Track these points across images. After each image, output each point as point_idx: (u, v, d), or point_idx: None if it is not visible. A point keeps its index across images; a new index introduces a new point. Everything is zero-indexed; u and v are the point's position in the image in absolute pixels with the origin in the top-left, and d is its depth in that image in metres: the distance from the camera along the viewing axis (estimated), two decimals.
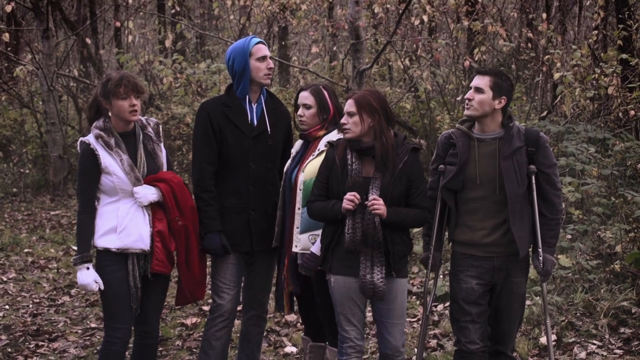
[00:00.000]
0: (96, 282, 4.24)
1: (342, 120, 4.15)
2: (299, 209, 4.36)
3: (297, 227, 4.37)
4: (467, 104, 4.19)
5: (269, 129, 4.61)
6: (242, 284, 4.76)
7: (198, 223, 4.44)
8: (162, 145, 4.47)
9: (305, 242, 4.34)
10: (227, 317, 4.61)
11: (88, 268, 4.25)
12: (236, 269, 4.61)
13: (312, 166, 4.35)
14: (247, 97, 4.60)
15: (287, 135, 4.76)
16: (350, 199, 4.01)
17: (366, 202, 4.00)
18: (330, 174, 4.18)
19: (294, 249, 4.39)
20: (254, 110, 4.62)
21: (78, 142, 4.33)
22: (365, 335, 4.45)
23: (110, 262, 4.27)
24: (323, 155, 4.32)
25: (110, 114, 4.30)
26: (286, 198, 4.48)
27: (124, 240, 4.23)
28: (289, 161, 4.53)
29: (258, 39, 4.63)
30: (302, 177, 4.36)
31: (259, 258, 4.65)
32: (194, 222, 4.39)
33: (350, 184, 4.10)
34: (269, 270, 4.77)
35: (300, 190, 4.35)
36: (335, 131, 4.44)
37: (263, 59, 4.54)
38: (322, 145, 4.40)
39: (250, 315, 4.81)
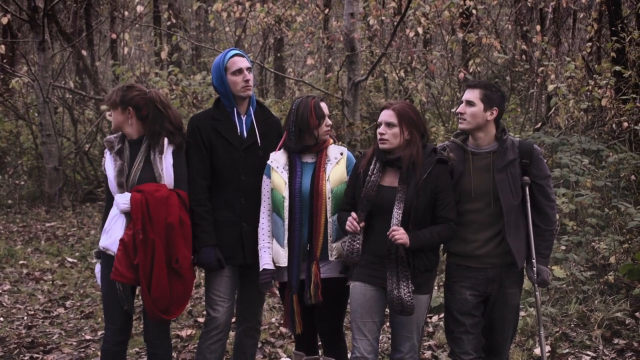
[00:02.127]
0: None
1: (380, 130, 4.13)
2: (330, 217, 4.34)
3: (331, 237, 4.35)
4: (460, 118, 4.23)
5: (259, 141, 4.58)
6: (236, 297, 4.76)
7: (173, 241, 4.29)
8: (164, 156, 4.40)
9: (340, 249, 4.35)
10: (221, 329, 4.59)
11: (97, 263, 4.57)
12: (230, 281, 4.58)
13: (335, 174, 4.36)
14: (235, 109, 4.58)
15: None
16: (351, 220, 4.05)
17: (388, 233, 3.98)
18: (356, 183, 4.22)
19: (331, 258, 4.34)
20: (243, 122, 4.60)
21: None
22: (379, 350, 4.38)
23: (105, 261, 4.44)
24: (342, 162, 4.39)
25: None
26: (296, 210, 4.35)
27: (107, 241, 4.36)
28: (285, 172, 4.39)
29: (235, 52, 4.60)
30: (329, 186, 4.33)
31: (253, 270, 4.59)
32: (167, 239, 4.27)
33: (362, 195, 4.12)
34: None
35: (329, 199, 4.33)
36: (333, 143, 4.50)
37: (239, 72, 4.51)
38: (337, 154, 4.41)
39: (244, 328, 4.81)
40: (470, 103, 4.18)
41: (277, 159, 4.44)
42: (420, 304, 4.17)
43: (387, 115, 4.15)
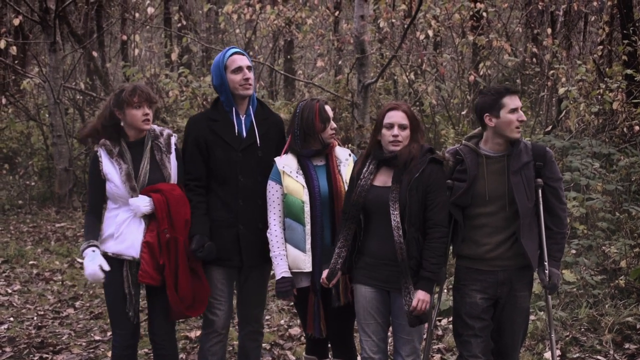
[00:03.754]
0: (101, 268, 4.25)
1: (395, 132, 4.07)
2: None
3: None
4: (518, 127, 4.12)
5: (258, 141, 4.51)
6: (235, 299, 4.73)
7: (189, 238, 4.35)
8: (172, 156, 4.44)
9: None
10: (220, 332, 4.57)
11: (94, 251, 4.31)
12: (227, 284, 4.55)
13: (348, 175, 4.36)
14: (234, 109, 4.52)
15: (279, 145, 4.55)
16: (323, 282, 4.21)
17: (412, 314, 4.01)
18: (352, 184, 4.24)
19: None
20: (242, 122, 4.53)
21: None
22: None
23: (112, 267, 4.36)
24: (351, 163, 4.40)
25: (122, 123, 4.39)
26: (317, 213, 4.30)
27: (119, 246, 4.33)
28: (300, 177, 4.33)
29: (234, 50, 4.54)
30: (347, 187, 4.33)
31: (251, 273, 4.57)
32: (186, 236, 4.33)
33: (351, 202, 4.13)
34: (262, 284, 4.69)
35: None
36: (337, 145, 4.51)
37: (238, 70, 4.44)
38: (346, 155, 4.44)
39: (247, 331, 4.76)
40: (520, 110, 4.14)
41: (289, 164, 4.37)
42: None
43: (400, 117, 4.10)
